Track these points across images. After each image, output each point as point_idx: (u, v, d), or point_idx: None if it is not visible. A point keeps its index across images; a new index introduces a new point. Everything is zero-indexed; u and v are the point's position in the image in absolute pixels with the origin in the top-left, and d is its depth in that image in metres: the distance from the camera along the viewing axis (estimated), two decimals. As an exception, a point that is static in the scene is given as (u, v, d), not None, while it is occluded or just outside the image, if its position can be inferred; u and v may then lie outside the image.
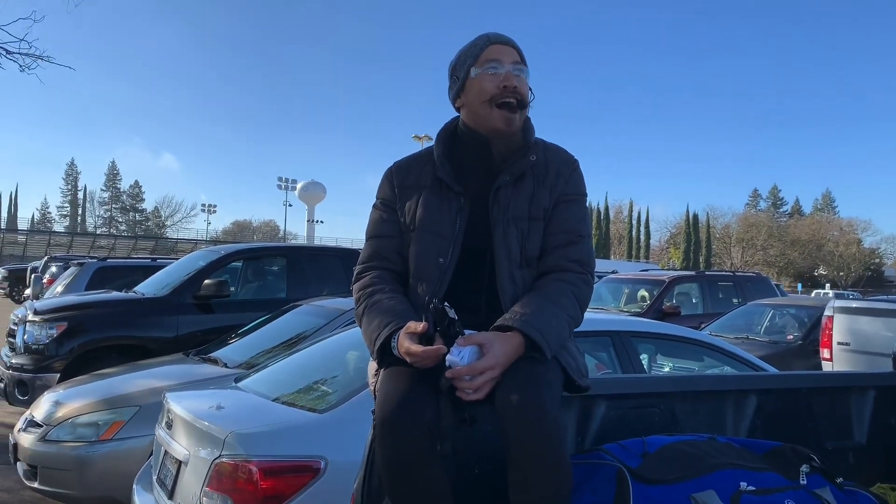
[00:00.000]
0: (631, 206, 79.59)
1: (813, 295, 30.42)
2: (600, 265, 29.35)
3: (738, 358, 3.64)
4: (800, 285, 58.49)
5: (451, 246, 1.89)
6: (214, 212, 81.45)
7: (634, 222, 78.77)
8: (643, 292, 10.99)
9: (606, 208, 76.71)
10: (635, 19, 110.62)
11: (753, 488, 1.73)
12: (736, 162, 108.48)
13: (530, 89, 1.98)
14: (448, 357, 1.65)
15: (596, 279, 13.56)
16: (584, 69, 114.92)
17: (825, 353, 7.37)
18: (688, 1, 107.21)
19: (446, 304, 1.72)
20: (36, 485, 4.29)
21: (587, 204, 2.04)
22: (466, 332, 1.70)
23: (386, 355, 1.79)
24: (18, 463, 4.42)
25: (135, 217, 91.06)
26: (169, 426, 2.98)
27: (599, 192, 77.01)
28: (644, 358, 3.57)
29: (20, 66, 10.80)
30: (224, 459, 2.54)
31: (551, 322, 1.75)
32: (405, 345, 1.71)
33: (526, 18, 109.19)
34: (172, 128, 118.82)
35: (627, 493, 1.70)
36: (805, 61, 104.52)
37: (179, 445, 2.81)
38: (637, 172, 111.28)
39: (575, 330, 1.91)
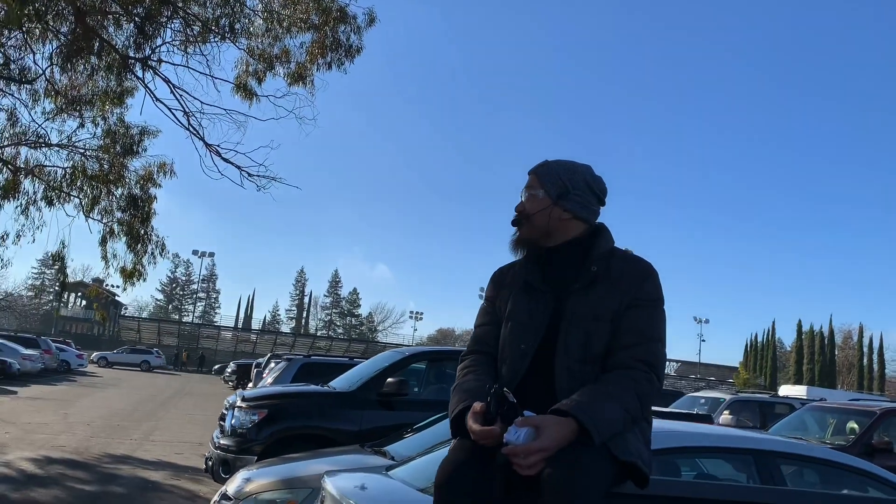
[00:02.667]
0: (861, 332, 72.26)
1: None
2: (820, 393, 26.76)
3: (906, 491, 3.32)
4: None
5: (533, 335, 2.15)
6: (421, 318, 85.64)
7: (865, 350, 71.01)
8: (852, 424, 9.95)
9: (831, 332, 70.20)
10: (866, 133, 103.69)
11: None
12: None
13: (567, 192, 2.27)
14: (506, 436, 1.85)
15: (798, 406, 12.57)
16: (809, 181, 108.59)
17: None
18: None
19: (506, 389, 1.93)
20: (223, 551, 4.81)
21: (661, 309, 2.18)
22: (527, 413, 1.89)
23: (459, 430, 2.03)
24: (213, 531, 4.98)
25: (351, 321, 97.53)
26: (322, 502, 3.32)
27: (823, 313, 70.99)
28: (794, 484, 3.39)
29: (257, 186, 12.57)
30: (358, 534, 2.81)
31: (603, 411, 1.90)
32: (469, 422, 1.95)
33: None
34: (388, 241, 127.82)
35: None
36: None
37: (329, 520, 3.13)
38: (868, 293, 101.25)
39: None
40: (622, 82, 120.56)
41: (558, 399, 1.99)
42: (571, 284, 2.18)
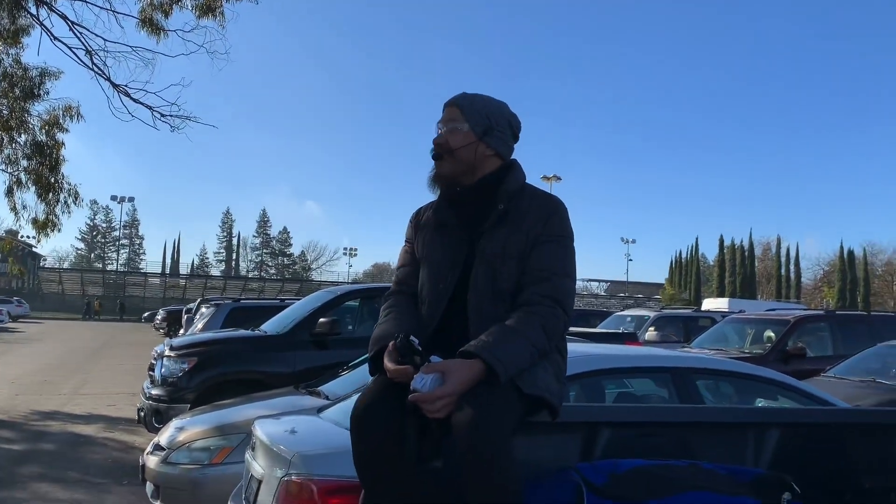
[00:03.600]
0: (779, 243, 75.56)
1: None
2: (740, 304, 28.04)
3: (813, 397, 3.54)
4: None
5: (450, 273, 2.17)
6: (356, 255, 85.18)
7: (783, 260, 74.49)
8: (769, 333, 10.47)
9: (751, 245, 73.06)
10: (775, 39, 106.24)
11: None
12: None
13: (491, 130, 2.24)
14: (412, 384, 1.88)
15: (719, 318, 13.17)
16: (729, 96, 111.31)
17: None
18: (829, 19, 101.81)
19: (412, 337, 1.95)
20: (159, 503, 4.79)
21: (568, 245, 2.20)
22: (433, 359, 1.92)
23: (378, 369, 2.09)
24: (147, 483, 4.94)
25: (283, 261, 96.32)
26: (253, 449, 3.32)
27: (743, 228, 73.84)
28: (710, 396, 3.56)
29: (171, 126, 12.07)
30: (290, 478, 2.82)
31: (508, 348, 1.94)
32: (385, 361, 2.00)
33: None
34: (315, 176, 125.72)
35: None
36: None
37: (259, 466, 3.13)
38: (785, 207, 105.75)
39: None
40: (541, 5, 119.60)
41: (472, 337, 2.02)
42: (482, 222, 2.18)
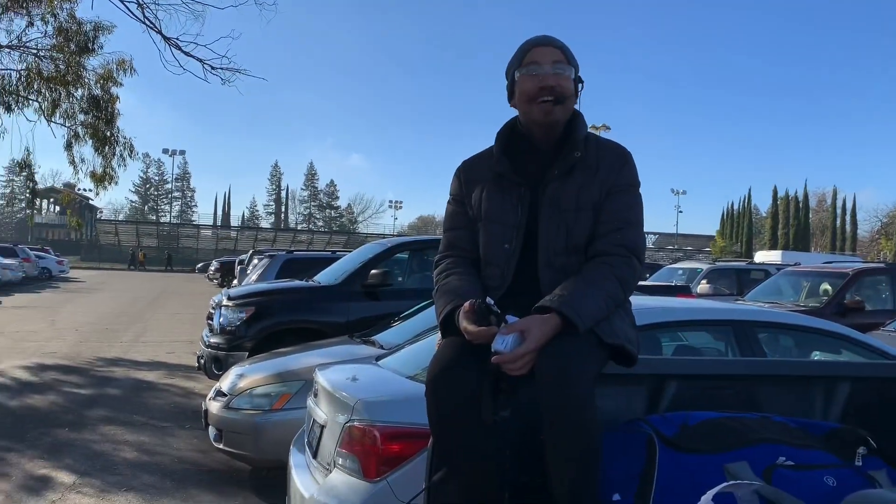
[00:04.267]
0: (834, 194, 73.34)
1: None
2: (794, 257, 27.41)
3: (878, 351, 3.46)
4: None
5: (515, 232, 2.10)
6: (401, 207, 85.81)
7: (839, 211, 72.34)
8: (826, 286, 10.23)
9: (806, 196, 71.09)
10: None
11: (792, 463, 1.78)
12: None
13: (580, 80, 2.15)
14: (493, 346, 1.87)
15: (773, 271, 12.90)
16: (784, 37, 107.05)
17: None
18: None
19: (489, 300, 1.93)
20: (221, 446, 4.96)
21: (639, 194, 2.16)
22: (509, 319, 1.91)
23: (448, 329, 2.04)
24: (209, 427, 5.12)
25: (330, 214, 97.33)
26: (315, 395, 3.40)
27: (798, 178, 71.73)
28: (770, 349, 3.51)
29: (222, 79, 12.18)
30: (353, 424, 2.88)
31: (585, 299, 1.92)
32: (462, 322, 1.95)
33: None
34: (360, 129, 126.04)
35: (654, 459, 1.82)
36: None
37: (322, 412, 3.21)
38: (842, 157, 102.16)
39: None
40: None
41: (543, 294, 1.99)
42: (547, 172, 2.11)
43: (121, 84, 13.91)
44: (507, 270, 2.10)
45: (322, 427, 3.18)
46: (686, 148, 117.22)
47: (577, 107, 2.19)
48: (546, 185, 2.10)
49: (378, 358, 3.95)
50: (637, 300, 4.21)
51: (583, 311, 1.90)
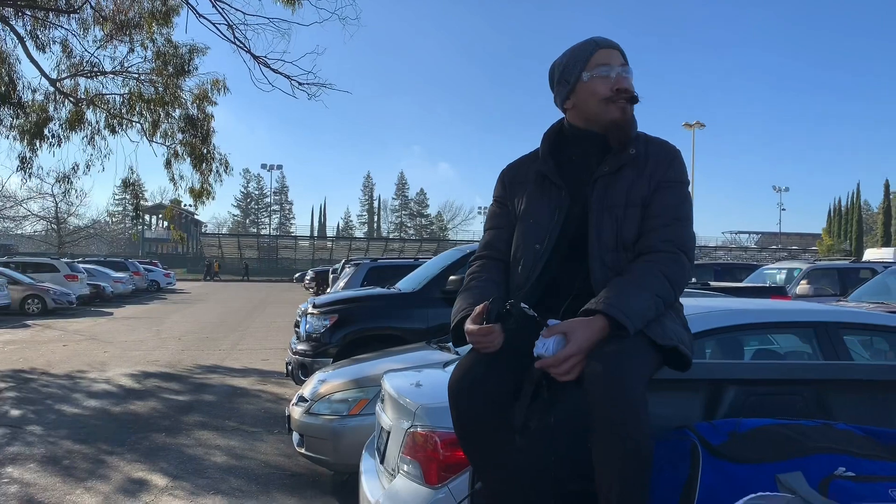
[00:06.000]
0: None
1: None
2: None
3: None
4: None
5: (548, 233, 2.07)
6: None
7: (960, 204, 67.57)
8: (939, 284, 9.58)
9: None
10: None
11: (853, 474, 1.64)
12: None
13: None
14: (535, 349, 1.81)
15: (882, 269, 12.12)
16: (887, 25, 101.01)
17: None
18: None
19: (523, 304, 1.89)
20: (303, 451, 5.08)
21: (687, 191, 2.11)
22: (551, 322, 1.84)
23: (459, 338, 2.03)
24: (293, 432, 5.25)
25: (421, 222, 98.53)
26: (382, 401, 3.43)
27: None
28: (861, 353, 3.29)
29: (308, 94, 12.53)
30: (415, 429, 2.89)
31: (632, 299, 1.85)
32: (467, 325, 1.93)
33: None
34: (446, 137, 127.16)
35: (697, 469, 1.72)
36: None
37: (387, 417, 3.23)
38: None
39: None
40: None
41: (595, 293, 1.94)
42: (596, 170, 2.08)
43: (215, 103, 14.55)
44: (532, 271, 2.07)
45: (388, 433, 3.20)
46: (786, 143, 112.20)
47: None
48: (596, 181, 2.08)
49: (446, 364, 3.94)
50: (717, 302, 4.05)
51: (631, 311, 1.83)
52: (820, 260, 22.33)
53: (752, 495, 1.56)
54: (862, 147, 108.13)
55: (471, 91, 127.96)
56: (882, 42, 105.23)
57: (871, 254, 29.40)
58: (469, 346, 2.05)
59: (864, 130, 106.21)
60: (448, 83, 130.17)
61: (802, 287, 12.45)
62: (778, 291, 9.02)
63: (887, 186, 68.80)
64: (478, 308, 1.96)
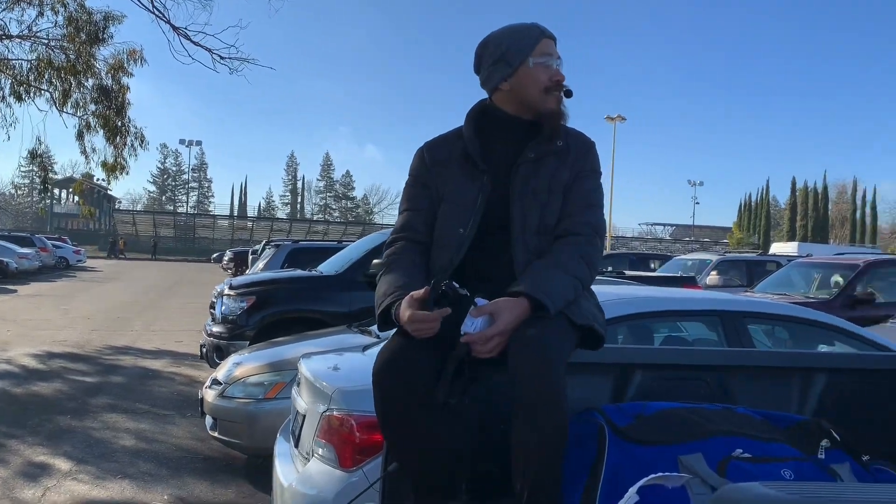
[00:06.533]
0: (854, 186, 72.32)
1: None
2: (810, 249, 27.11)
3: (874, 344, 3.39)
4: None
5: (472, 217, 2.07)
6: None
7: (859, 203, 71.42)
8: (837, 277, 10.10)
9: (825, 188, 70.28)
10: None
11: (749, 455, 1.73)
12: None
13: None
14: (462, 328, 1.84)
15: (785, 263, 12.74)
16: (802, 30, 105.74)
17: None
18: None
19: (454, 283, 1.90)
20: (216, 434, 4.98)
21: (600, 180, 2.19)
22: (479, 302, 1.88)
23: (385, 322, 2.01)
24: (205, 416, 5.14)
25: (346, 204, 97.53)
26: (298, 385, 3.39)
27: (817, 170, 70.92)
28: (762, 341, 3.44)
29: (230, 69, 12.19)
30: (330, 413, 2.87)
31: (554, 283, 1.91)
32: (406, 312, 1.90)
33: None
34: (374, 119, 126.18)
35: (604, 450, 1.79)
36: None
37: (303, 401, 3.20)
38: (862, 149, 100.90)
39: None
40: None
41: (517, 276, 1.98)
42: (520, 155, 2.10)
43: (131, 74, 13.99)
44: (456, 255, 2.06)
45: (304, 416, 3.17)
46: (703, 139, 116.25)
47: None
48: (518, 167, 2.10)
49: (366, 347, 3.93)
50: (628, 289, 4.17)
51: (553, 293, 1.89)
52: (729, 252, 23.26)
53: (655, 475, 1.62)
54: (773, 145, 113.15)
55: (400, 74, 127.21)
56: (796, 41, 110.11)
57: (777, 248, 30.82)
58: (393, 331, 2.03)
59: (776, 128, 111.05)
60: (377, 65, 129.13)
61: (712, 277, 12.94)
62: (689, 281, 9.35)
63: (794, 183, 72.09)
64: (416, 294, 1.92)
